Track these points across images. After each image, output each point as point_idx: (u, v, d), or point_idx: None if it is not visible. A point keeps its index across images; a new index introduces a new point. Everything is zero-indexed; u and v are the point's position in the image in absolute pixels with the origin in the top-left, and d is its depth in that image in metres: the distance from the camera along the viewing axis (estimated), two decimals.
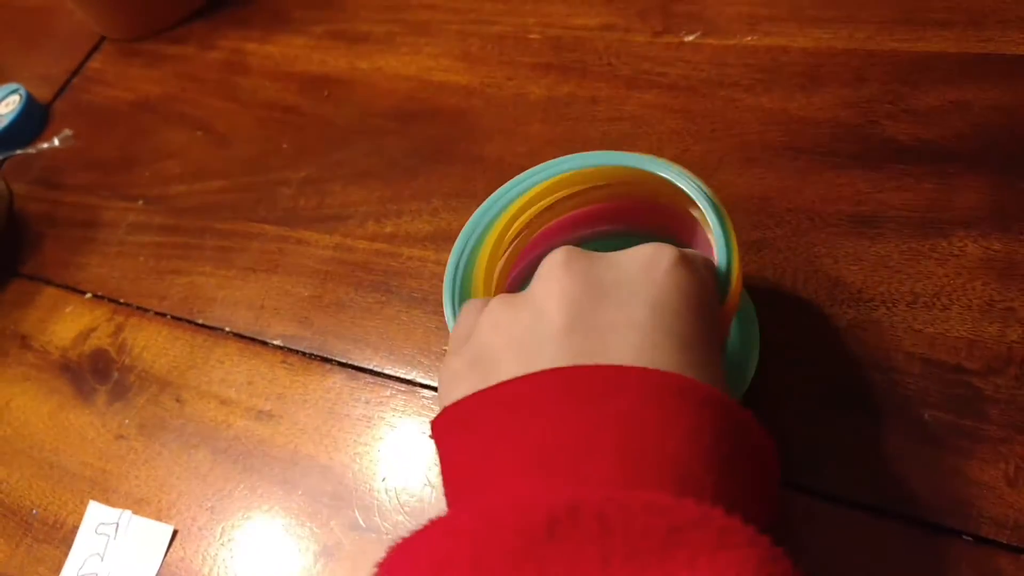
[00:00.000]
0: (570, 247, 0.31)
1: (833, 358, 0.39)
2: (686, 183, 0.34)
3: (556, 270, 0.30)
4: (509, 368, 0.28)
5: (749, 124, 0.47)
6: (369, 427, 0.45)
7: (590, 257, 0.30)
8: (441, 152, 0.54)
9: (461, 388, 0.29)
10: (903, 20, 0.48)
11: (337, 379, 0.47)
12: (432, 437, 0.30)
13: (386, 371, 0.46)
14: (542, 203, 0.38)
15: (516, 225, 0.38)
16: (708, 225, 0.33)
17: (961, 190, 0.41)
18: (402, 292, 0.49)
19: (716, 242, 0.32)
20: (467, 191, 0.51)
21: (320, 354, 0.48)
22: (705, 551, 0.21)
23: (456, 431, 0.29)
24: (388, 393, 0.46)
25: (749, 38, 0.51)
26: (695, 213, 0.36)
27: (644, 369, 0.26)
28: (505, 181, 0.51)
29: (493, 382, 0.28)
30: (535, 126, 0.53)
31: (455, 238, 0.38)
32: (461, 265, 0.36)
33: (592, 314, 0.28)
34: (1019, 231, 0.39)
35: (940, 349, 0.38)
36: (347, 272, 0.51)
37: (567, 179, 0.37)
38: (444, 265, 0.48)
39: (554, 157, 0.50)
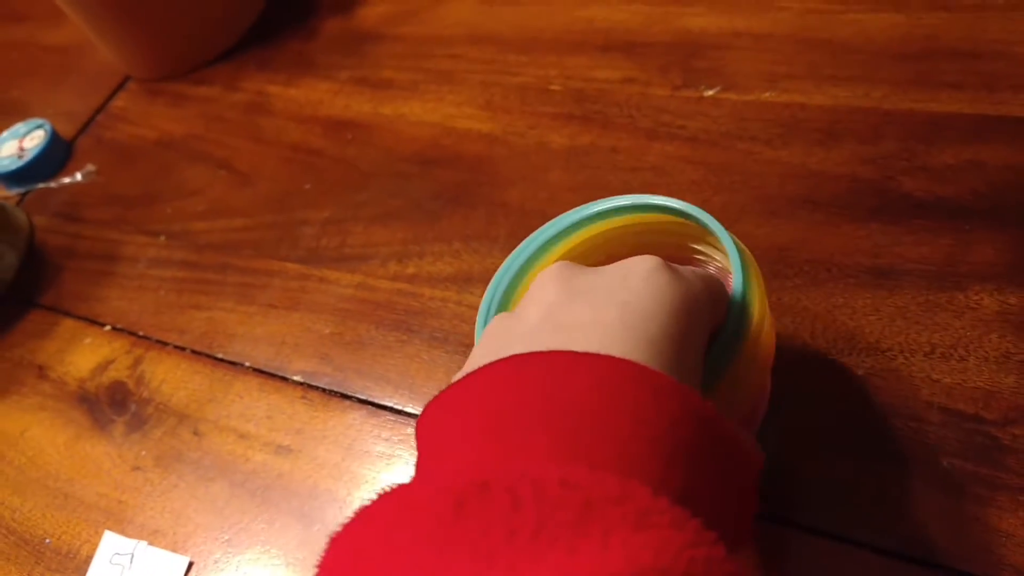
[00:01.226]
0: (564, 262, 0.32)
1: (852, 406, 0.39)
2: (715, 224, 0.34)
3: (545, 280, 0.31)
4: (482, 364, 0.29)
5: (768, 177, 0.48)
6: (388, 464, 0.45)
7: (580, 268, 0.32)
8: (463, 196, 0.55)
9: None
10: (917, 81, 0.49)
11: (357, 416, 0.48)
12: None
13: (406, 409, 0.47)
14: (573, 247, 0.38)
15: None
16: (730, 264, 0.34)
17: (977, 245, 0.42)
18: (423, 331, 0.49)
19: (734, 273, 0.33)
20: (488, 235, 0.52)
21: (340, 391, 0.49)
22: (621, 529, 0.20)
23: (425, 423, 0.29)
24: (408, 431, 0.46)
25: (768, 94, 0.52)
26: (720, 258, 0.37)
27: (597, 355, 0.26)
28: (526, 226, 0.52)
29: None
30: (556, 174, 0.54)
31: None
32: (493, 308, 0.36)
33: (562, 313, 0.29)
34: None
35: (958, 399, 0.38)
36: (368, 311, 0.52)
37: (598, 226, 0.38)
38: (465, 306, 0.49)
39: (574, 204, 0.51)
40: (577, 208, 0.38)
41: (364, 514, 0.24)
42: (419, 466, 0.29)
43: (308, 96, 0.66)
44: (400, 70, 0.65)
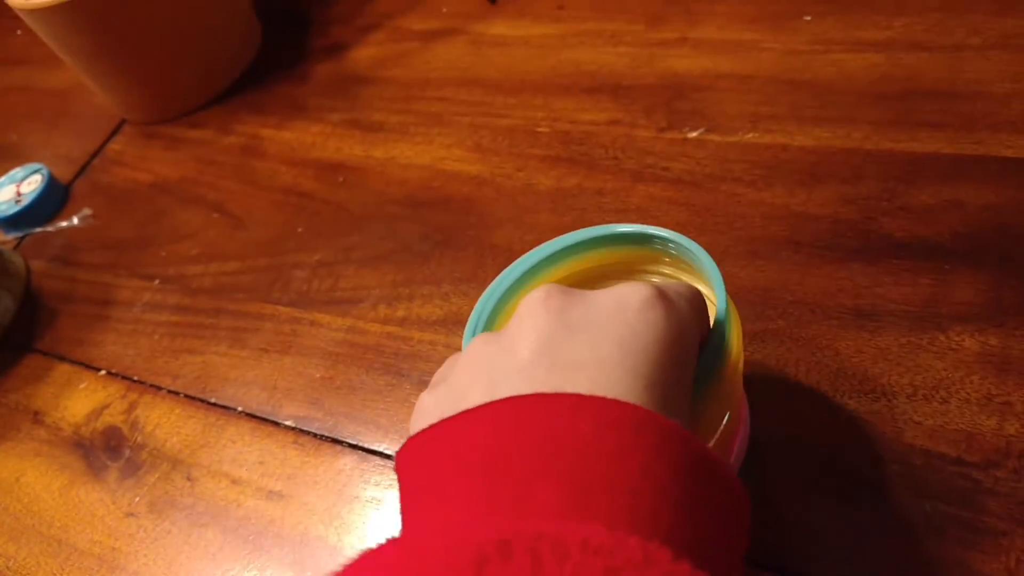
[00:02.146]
0: (551, 285, 0.31)
1: (834, 448, 0.40)
2: (691, 246, 0.35)
3: (533, 307, 0.30)
4: (474, 399, 0.28)
5: (751, 218, 0.49)
6: (378, 509, 0.46)
7: (568, 295, 0.30)
8: (452, 238, 0.55)
9: (428, 420, 0.29)
10: (897, 121, 0.50)
11: (348, 461, 0.48)
12: (395, 470, 0.30)
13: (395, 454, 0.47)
14: (566, 276, 0.39)
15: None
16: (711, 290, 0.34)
17: (957, 286, 0.43)
18: (412, 375, 0.50)
19: (717, 296, 0.33)
20: (478, 276, 0.53)
21: (331, 435, 0.49)
22: None
23: (413, 458, 0.28)
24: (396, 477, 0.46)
25: (750, 135, 0.53)
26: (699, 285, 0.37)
27: (602, 399, 0.26)
28: None
29: (457, 412, 0.28)
30: (543, 215, 0.54)
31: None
32: (481, 325, 0.36)
33: (559, 350, 0.28)
34: (1014, 327, 0.41)
35: (940, 441, 0.39)
36: (358, 355, 0.52)
37: (574, 258, 0.38)
38: (454, 349, 0.50)
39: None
40: (573, 232, 0.38)
41: (367, 562, 0.23)
42: (408, 505, 0.28)
43: (300, 139, 0.67)
44: (390, 112, 0.66)
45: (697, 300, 0.32)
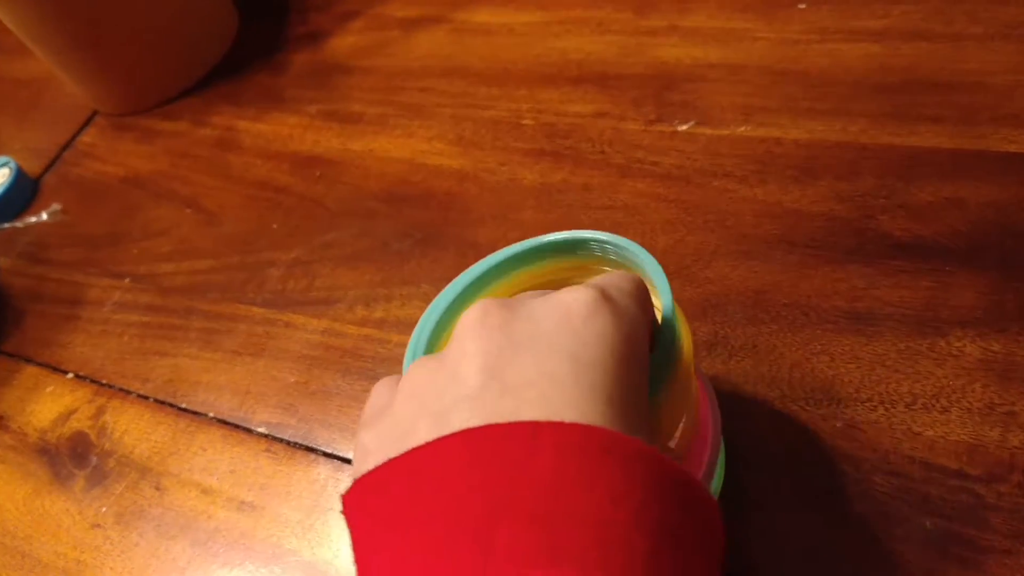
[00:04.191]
0: (488, 300, 0.29)
1: (830, 460, 0.38)
2: (631, 247, 0.33)
3: (472, 327, 0.28)
4: (422, 435, 0.26)
5: (743, 216, 0.47)
6: None
7: (507, 309, 0.28)
8: (433, 236, 0.53)
9: (374, 460, 0.27)
10: (895, 114, 0.48)
11: (322, 470, 0.46)
12: (343, 513, 0.27)
13: None
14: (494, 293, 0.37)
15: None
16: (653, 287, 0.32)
17: (958, 288, 0.41)
18: None
19: (663, 299, 0.31)
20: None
21: (305, 443, 0.47)
22: None
23: (361, 504, 0.26)
24: None
25: (742, 128, 0.51)
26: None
27: (561, 424, 0.24)
28: None
29: (404, 450, 0.26)
30: (528, 212, 0.52)
31: None
32: (420, 349, 0.34)
33: (507, 371, 0.26)
34: (1017, 332, 0.39)
35: (941, 453, 0.37)
36: (335, 358, 0.50)
37: (516, 271, 0.36)
38: None
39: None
40: (514, 245, 0.36)
41: None
42: (361, 555, 0.26)
43: (277, 131, 0.65)
44: (370, 103, 0.63)
45: (640, 291, 0.29)
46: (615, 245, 0.33)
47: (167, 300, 0.58)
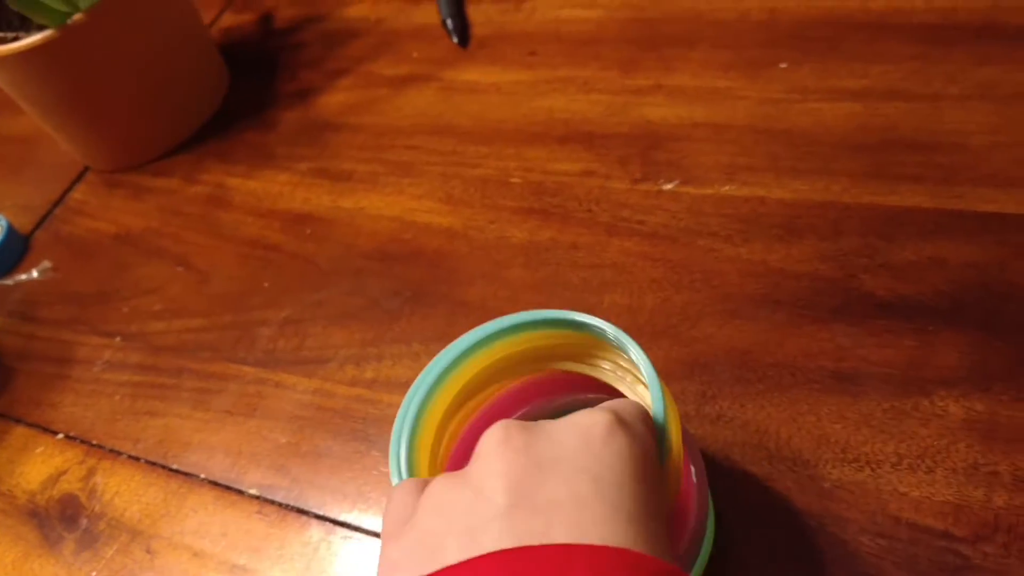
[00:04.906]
0: (508, 421, 0.30)
1: (818, 521, 0.38)
2: (620, 336, 0.33)
3: (496, 448, 0.29)
4: (453, 553, 0.27)
5: (729, 275, 0.48)
6: None
7: (529, 431, 0.29)
8: (423, 294, 0.54)
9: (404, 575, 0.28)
10: (877, 174, 0.49)
11: (314, 532, 0.46)
12: None
13: (363, 526, 0.45)
14: (484, 368, 0.37)
15: (463, 396, 0.37)
16: (642, 380, 0.33)
17: (941, 347, 0.42)
18: (380, 442, 0.48)
19: (652, 396, 0.32)
20: (449, 335, 0.50)
21: (297, 505, 0.47)
22: None
23: None
24: (364, 549, 0.45)
25: (727, 187, 0.52)
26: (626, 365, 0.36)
27: (592, 546, 0.25)
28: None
29: (436, 568, 0.26)
30: (516, 270, 0.53)
31: None
32: (403, 450, 0.34)
33: (534, 492, 0.27)
34: (1000, 391, 0.40)
35: (927, 514, 0.37)
36: (326, 419, 0.50)
37: (504, 345, 0.37)
38: None
39: (535, 303, 0.50)
40: (485, 324, 0.37)
41: None
42: None
43: (267, 188, 0.65)
44: (360, 161, 0.64)
45: (644, 416, 0.31)
46: (603, 330, 0.34)
47: (158, 359, 0.58)
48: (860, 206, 0.48)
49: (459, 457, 0.38)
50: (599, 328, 0.34)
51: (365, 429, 0.49)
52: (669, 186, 0.53)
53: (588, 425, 0.29)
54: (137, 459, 0.53)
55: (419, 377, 0.35)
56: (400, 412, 0.35)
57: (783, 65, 0.57)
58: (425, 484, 0.31)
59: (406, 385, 0.49)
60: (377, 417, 0.49)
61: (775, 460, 0.41)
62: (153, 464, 0.52)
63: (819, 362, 0.43)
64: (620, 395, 0.36)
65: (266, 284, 0.59)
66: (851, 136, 0.52)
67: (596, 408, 0.30)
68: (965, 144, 0.49)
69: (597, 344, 0.36)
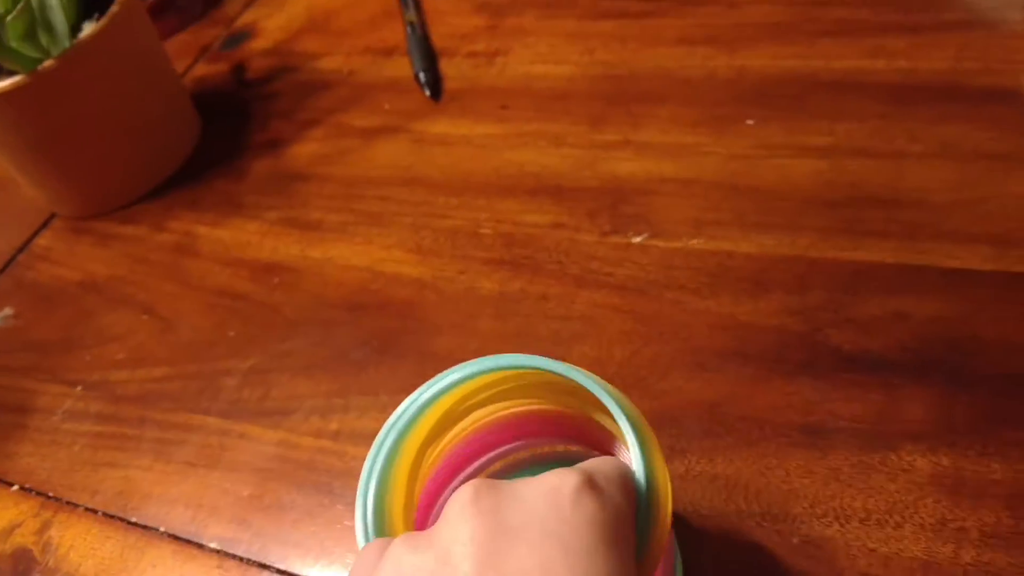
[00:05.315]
0: (478, 481, 0.29)
1: None
2: (602, 391, 0.32)
3: (463, 509, 0.28)
4: None
5: (697, 328, 0.48)
6: None
7: (498, 492, 0.29)
8: (391, 345, 0.53)
9: None
10: (842, 229, 0.50)
11: None
12: None
13: None
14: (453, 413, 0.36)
15: (431, 439, 0.36)
16: (624, 441, 0.32)
17: (907, 402, 0.42)
18: (346, 495, 0.47)
19: (635, 463, 0.31)
20: (416, 387, 0.50)
21: (258, 560, 0.46)
22: None
23: None
24: None
25: (695, 241, 0.52)
26: (606, 423, 0.35)
27: None
28: None
29: None
30: (486, 321, 0.53)
31: None
32: (370, 512, 0.33)
33: (503, 560, 0.26)
34: (965, 446, 0.40)
35: (896, 570, 0.37)
36: (289, 471, 0.49)
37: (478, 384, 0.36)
38: None
39: (504, 353, 0.50)
40: (452, 368, 0.36)
41: None
42: None
43: (236, 237, 0.65)
44: (329, 211, 0.64)
45: (622, 476, 0.30)
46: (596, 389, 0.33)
47: (119, 409, 0.57)
48: (826, 261, 0.49)
49: (430, 501, 0.37)
50: (578, 379, 0.33)
51: (330, 482, 0.48)
52: (638, 239, 0.53)
53: (557, 486, 0.28)
54: (94, 511, 0.52)
55: (385, 426, 0.35)
56: (366, 466, 0.34)
57: (750, 122, 0.58)
58: (387, 544, 0.30)
59: (372, 437, 0.48)
60: (342, 470, 0.48)
61: (744, 515, 0.40)
62: (111, 517, 0.51)
63: (787, 416, 0.43)
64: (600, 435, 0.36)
65: (232, 333, 0.58)
66: (817, 192, 0.52)
67: (570, 468, 0.29)
68: (928, 201, 0.49)
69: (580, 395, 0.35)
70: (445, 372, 0.35)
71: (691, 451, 0.43)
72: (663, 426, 0.44)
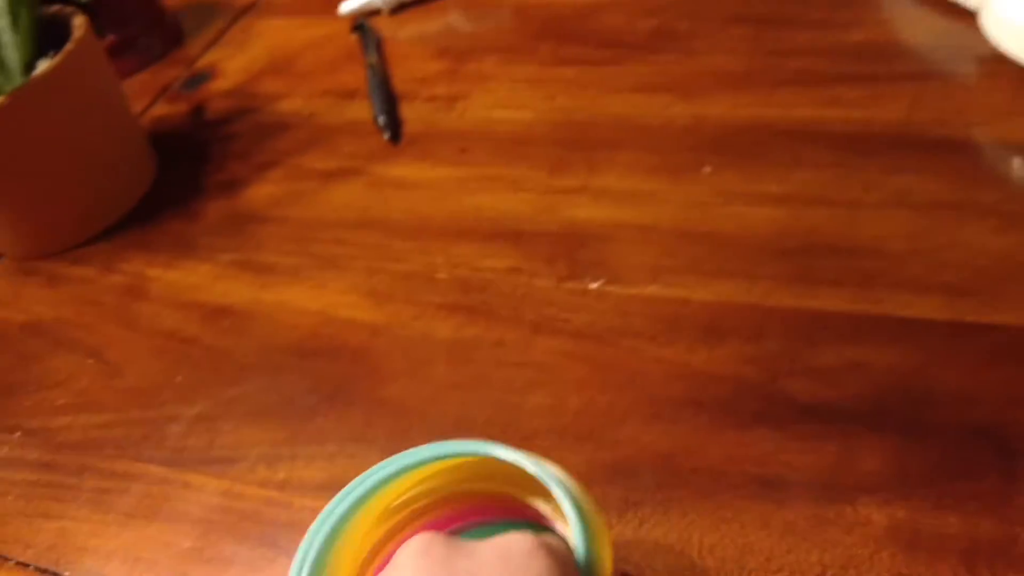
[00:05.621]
0: (430, 534, 0.29)
1: None
2: (544, 473, 0.30)
3: (415, 560, 0.28)
4: None
5: (653, 376, 0.47)
6: None
7: (449, 545, 0.28)
8: (341, 392, 0.52)
9: None
10: (798, 277, 0.50)
11: None
12: None
13: None
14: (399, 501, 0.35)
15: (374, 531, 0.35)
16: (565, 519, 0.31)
17: (863, 453, 0.41)
18: (291, 548, 0.45)
19: (576, 539, 0.30)
20: (366, 436, 0.49)
21: None
22: None
23: None
24: None
25: (651, 288, 0.52)
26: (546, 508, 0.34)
27: None
28: (405, 427, 0.49)
29: None
30: (439, 368, 0.52)
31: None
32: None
33: None
34: (921, 498, 0.39)
35: None
36: (233, 522, 0.48)
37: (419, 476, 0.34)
38: None
39: (457, 401, 0.49)
40: (391, 458, 0.34)
41: None
42: None
43: (187, 280, 0.64)
44: (284, 254, 0.63)
45: (572, 557, 0.29)
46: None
47: (58, 456, 0.55)
48: (782, 309, 0.48)
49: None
50: (524, 465, 0.31)
51: (275, 534, 0.46)
52: (595, 285, 0.53)
53: (510, 543, 0.28)
54: (26, 565, 0.49)
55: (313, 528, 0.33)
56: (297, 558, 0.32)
57: (707, 169, 0.58)
58: None
59: (319, 488, 0.48)
60: (287, 521, 0.47)
61: (698, 570, 0.39)
62: (43, 571, 0.49)
63: (742, 467, 0.42)
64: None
65: (179, 378, 0.57)
66: (773, 240, 0.52)
67: (522, 533, 0.28)
68: (883, 250, 0.49)
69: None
70: (382, 464, 0.33)
71: (645, 503, 0.42)
72: (617, 478, 0.43)
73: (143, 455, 0.53)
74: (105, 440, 0.55)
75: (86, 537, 0.50)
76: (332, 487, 0.46)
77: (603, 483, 0.43)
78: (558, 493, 0.30)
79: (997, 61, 0.58)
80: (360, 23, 0.85)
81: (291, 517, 0.47)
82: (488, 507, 0.36)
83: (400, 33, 0.84)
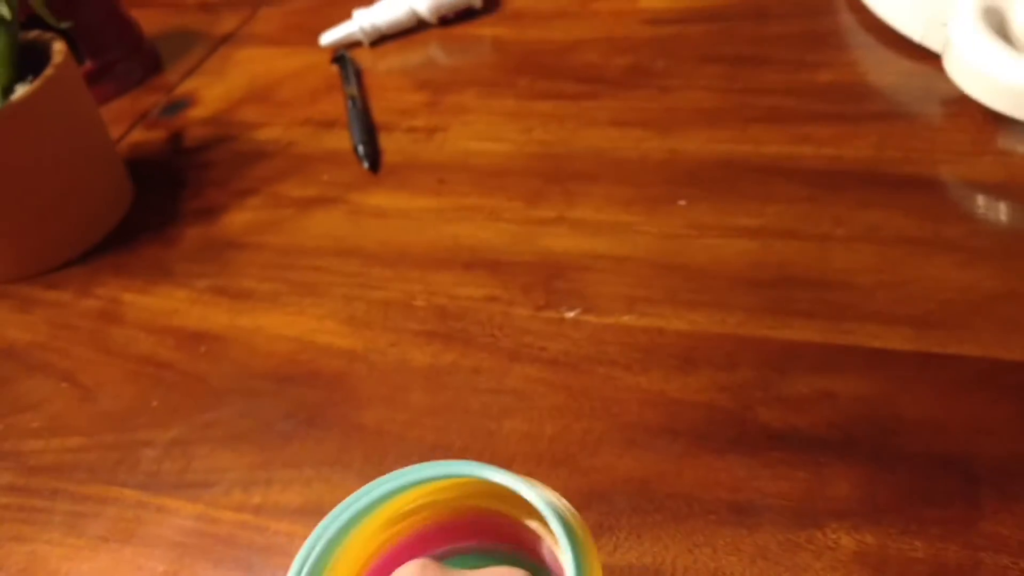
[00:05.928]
0: (424, 561, 0.29)
1: None
2: (537, 497, 0.30)
3: None
4: None
5: (628, 403, 0.48)
6: None
7: (444, 573, 0.29)
8: (318, 417, 0.52)
9: None
10: (771, 309, 0.51)
11: None
12: None
13: None
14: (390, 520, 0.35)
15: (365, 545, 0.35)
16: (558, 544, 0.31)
17: (833, 480, 0.42)
18: (265, 572, 0.45)
19: (566, 562, 0.30)
20: (342, 461, 0.49)
21: None
22: None
23: None
24: None
25: (627, 317, 0.52)
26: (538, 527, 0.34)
27: None
28: (381, 452, 0.50)
29: None
30: (416, 394, 0.52)
31: (327, 512, 0.34)
32: None
33: None
34: (889, 523, 0.40)
35: None
36: (208, 546, 0.47)
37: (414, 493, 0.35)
38: None
39: (434, 427, 0.50)
40: (387, 475, 0.34)
41: None
42: None
43: (163, 305, 0.64)
44: (261, 280, 0.63)
45: None
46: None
47: (31, 480, 0.54)
48: (755, 339, 0.49)
49: None
50: (519, 489, 0.31)
51: (249, 558, 0.46)
52: (571, 314, 0.54)
53: (504, 573, 0.28)
54: None
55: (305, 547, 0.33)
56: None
57: (682, 202, 0.59)
58: None
59: (295, 512, 0.48)
60: (263, 546, 0.47)
61: None
62: None
63: (716, 493, 0.43)
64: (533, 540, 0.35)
65: (155, 403, 0.56)
66: (746, 272, 0.53)
67: (514, 568, 0.29)
68: (852, 283, 0.51)
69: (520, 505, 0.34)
70: (372, 484, 0.34)
71: (619, 528, 0.43)
72: (592, 503, 0.44)
73: (117, 479, 0.53)
74: (78, 464, 0.54)
75: (59, 561, 0.49)
76: (308, 512, 0.47)
77: (578, 508, 0.43)
78: (551, 518, 0.30)
79: (961, 102, 0.60)
80: (340, 54, 0.86)
81: (267, 541, 0.47)
82: (481, 527, 0.36)
83: (380, 65, 0.85)
